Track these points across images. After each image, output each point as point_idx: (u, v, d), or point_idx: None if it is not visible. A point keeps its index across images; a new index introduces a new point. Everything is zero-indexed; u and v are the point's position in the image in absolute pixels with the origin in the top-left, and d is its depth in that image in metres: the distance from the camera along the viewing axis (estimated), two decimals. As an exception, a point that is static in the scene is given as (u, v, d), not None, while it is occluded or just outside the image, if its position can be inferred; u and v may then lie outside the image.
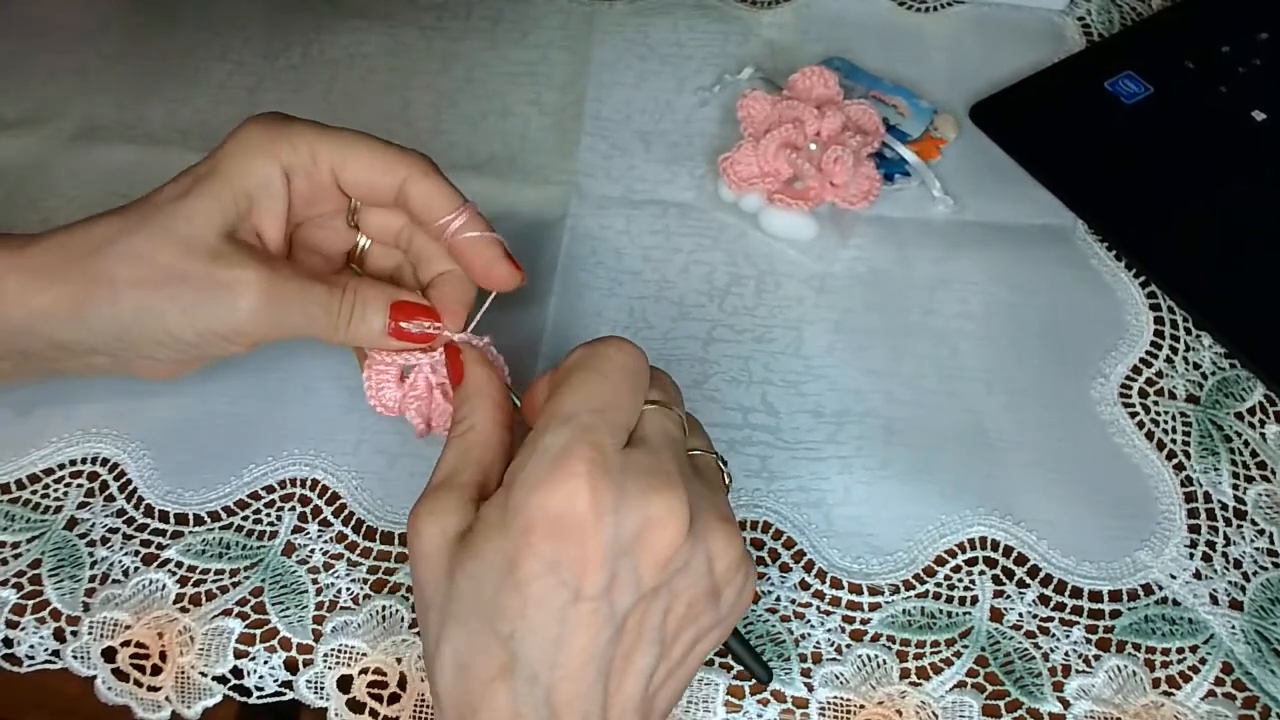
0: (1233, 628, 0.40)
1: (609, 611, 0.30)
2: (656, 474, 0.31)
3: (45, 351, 0.38)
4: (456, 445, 0.35)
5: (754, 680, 0.39)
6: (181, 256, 0.36)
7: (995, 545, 0.42)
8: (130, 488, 0.43)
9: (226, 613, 0.40)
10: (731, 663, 0.39)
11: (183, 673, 0.40)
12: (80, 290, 0.36)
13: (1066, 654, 0.40)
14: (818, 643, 0.40)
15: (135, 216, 0.37)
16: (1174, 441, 0.45)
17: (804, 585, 0.41)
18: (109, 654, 0.40)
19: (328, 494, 0.43)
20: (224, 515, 0.43)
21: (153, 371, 0.40)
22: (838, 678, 0.39)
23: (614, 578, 0.30)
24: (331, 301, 0.38)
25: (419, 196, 0.39)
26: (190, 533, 0.42)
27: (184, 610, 0.40)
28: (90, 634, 0.40)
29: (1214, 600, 0.41)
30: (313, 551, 0.42)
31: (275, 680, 0.40)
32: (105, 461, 0.44)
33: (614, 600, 0.30)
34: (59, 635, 0.40)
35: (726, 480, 0.37)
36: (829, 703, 0.39)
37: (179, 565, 0.41)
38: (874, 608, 0.41)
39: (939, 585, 0.41)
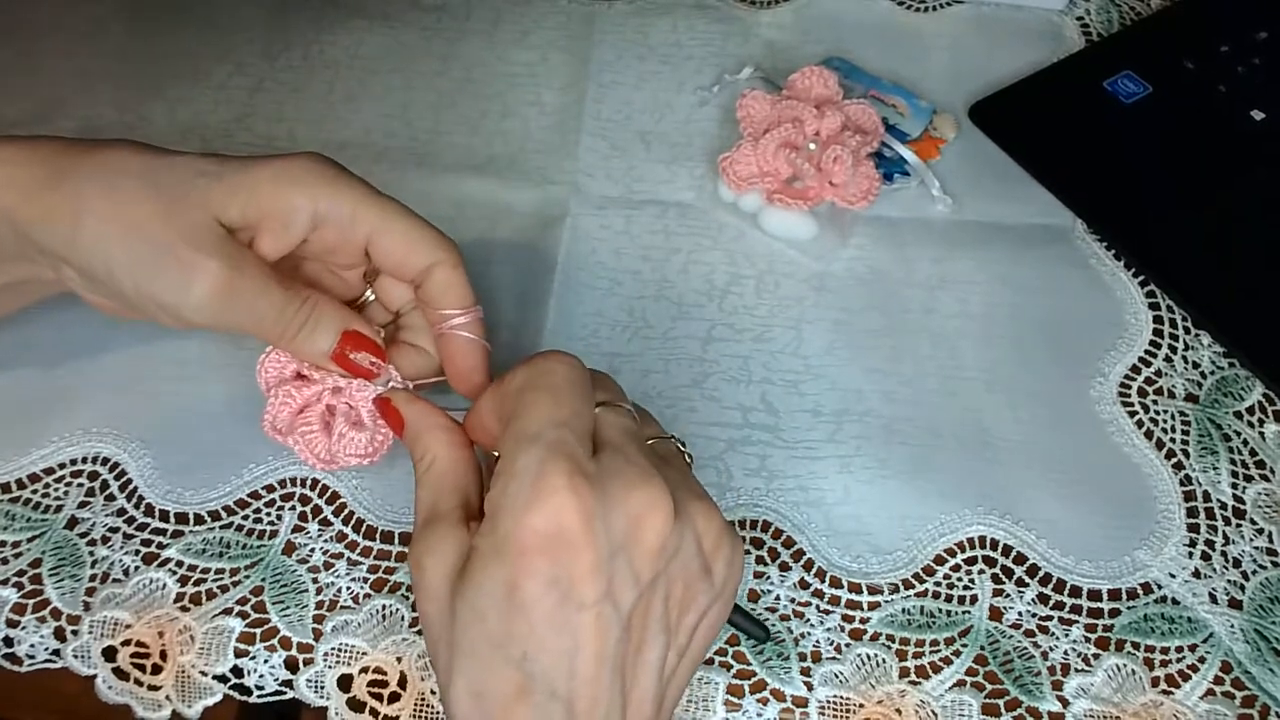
0: (1232, 626, 0.40)
1: (613, 612, 0.31)
2: (631, 470, 0.32)
3: (5, 245, 0.37)
4: (426, 482, 0.36)
5: (754, 641, 0.40)
6: (155, 216, 0.35)
7: (994, 544, 0.42)
8: (131, 487, 0.43)
9: (227, 612, 0.40)
10: (731, 662, 0.40)
11: (183, 672, 0.40)
12: (54, 202, 0.36)
13: (1066, 653, 0.40)
14: (817, 642, 0.40)
15: (144, 161, 0.37)
16: (1173, 440, 0.45)
17: (803, 584, 0.41)
18: (109, 653, 0.40)
19: (328, 493, 0.43)
20: (224, 514, 0.43)
21: (96, 303, 0.39)
22: (837, 677, 0.39)
23: (612, 579, 0.31)
24: (287, 307, 0.37)
25: (438, 284, 0.39)
26: (190, 532, 0.42)
27: (184, 609, 0.40)
28: (91, 633, 0.40)
29: (1213, 599, 0.41)
30: (313, 551, 0.42)
31: (275, 679, 0.40)
32: (105, 461, 0.44)
33: (617, 600, 0.31)
34: (59, 634, 0.40)
35: (688, 460, 0.38)
36: (828, 702, 0.39)
37: (179, 564, 0.42)
38: (873, 607, 0.41)
39: (938, 584, 0.41)
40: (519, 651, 0.30)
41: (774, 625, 0.40)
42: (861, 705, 0.39)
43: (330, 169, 0.38)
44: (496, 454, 0.35)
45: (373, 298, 0.42)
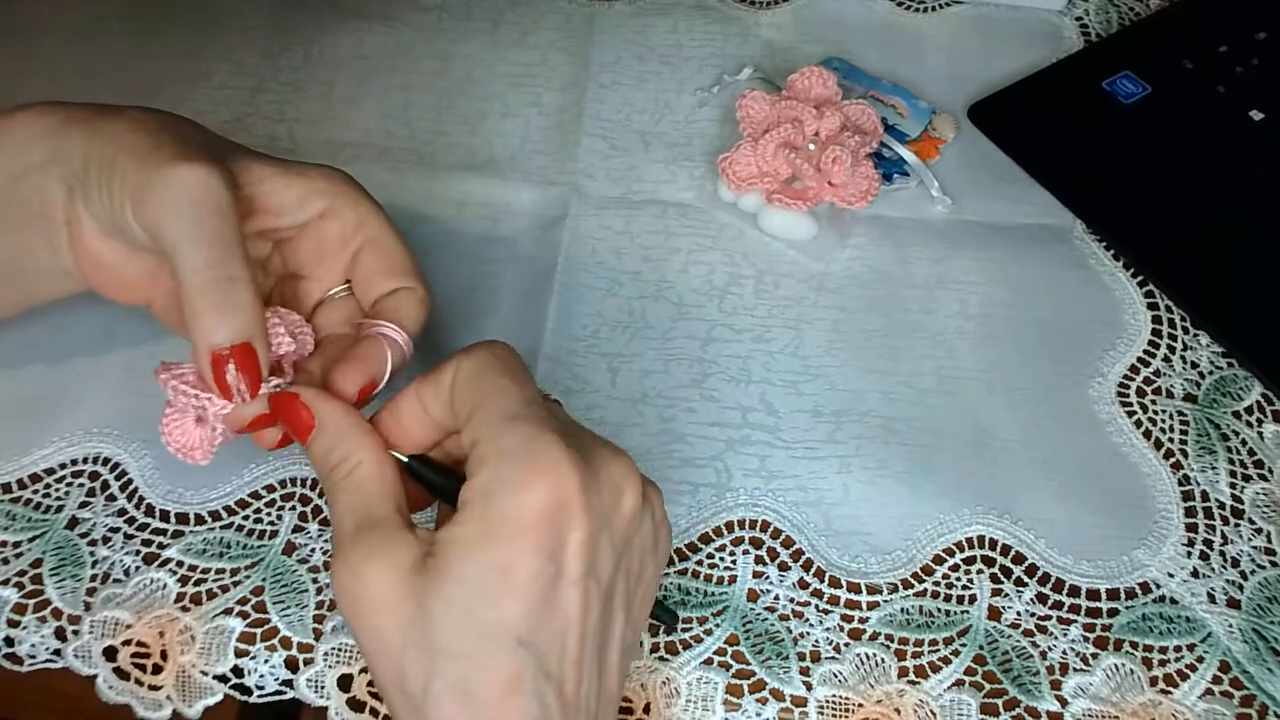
0: (1230, 626, 0.40)
1: (595, 587, 0.31)
2: (599, 442, 0.32)
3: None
4: (351, 487, 0.33)
5: (664, 626, 0.40)
6: (175, 133, 0.37)
7: (993, 544, 0.42)
8: (131, 487, 0.43)
9: (227, 612, 0.41)
10: (730, 661, 0.40)
11: (184, 672, 0.40)
12: (94, 127, 0.38)
13: (1064, 652, 0.40)
14: (816, 641, 0.40)
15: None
16: (1171, 440, 0.45)
17: (802, 584, 0.41)
18: (110, 653, 0.40)
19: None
20: (224, 514, 0.43)
21: (95, 249, 0.38)
22: (836, 676, 0.39)
23: (596, 552, 0.31)
24: (230, 256, 0.34)
25: (400, 301, 0.39)
26: (191, 532, 0.42)
27: (185, 609, 0.41)
28: (91, 633, 0.40)
29: (1211, 599, 0.41)
30: (313, 550, 0.42)
31: (276, 679, 0.40)
32: (106, 461, 0.44)
33: (598, 574, 0.31)
34: (60, 634, 0.40)
35: None
36: (827, 701, 0.39)
37: (180, 564, 0.42)
38: (872, 606, 0.41)
39: (937, 584, 0.41)
40: (512, 637, 0.30)
41: (773, 625, 0.40)
42: (860, 705, 0.39)
43: (357, 184, 0.40)
44: (404, 456, 0.34)
45: (341, 292, 0.41)
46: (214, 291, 0.34)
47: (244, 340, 0.34)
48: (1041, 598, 0.41)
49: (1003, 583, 0.41)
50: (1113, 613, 0.41)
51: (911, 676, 0.39)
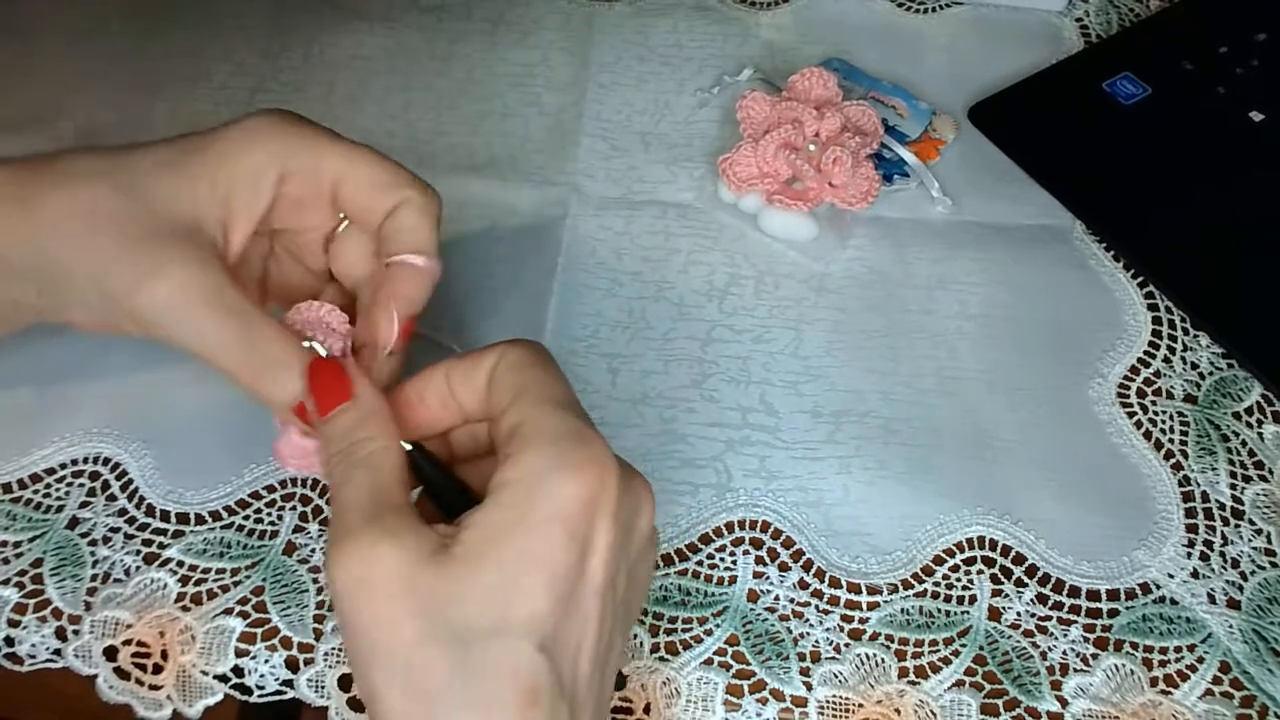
0: (1230, 627, 0.40)
1: (611, 601, 0.30)
2: (621, 459, 0.31)
3: None
4: (370, 465, 0.31)
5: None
6: (115, 217, 0.34)
7: (993, 544, 0.42)
8: (132, 487, 0.43)
9: (228, 612, 0.41)
10: (730, 662, 0.40)
11: (184, 671, 0.40)
12: (19, 216, 0.34)
13: (1064, 653, 0.40)
14: (816, 642, 0.40)
15: (103, 162, 0.35)
16: (1172, 441, 0.45)
17: (803, 585, 0.41)
18: (110, 653, 0.40)
19: (329, 493, 0.43)
20: (225, 515, 0.43)
21: (81, 324, 0.37)
22: (836, 676, 0.39)
23: (617, 563, 0.30)
24: (258, 330, 0.34)
25: (401, 223, 0.37)
26: (191, 532, 0.42)
27: (185, 609, 0.41)
28: (92, 633, 0.40)
29: (1211, 599, 0.41)
30: (313, 551, 0.42)
31: (276, 679, 0.40)
32: (107, 461, 0.44)
33: (615, 589, 0.30)
34: (60, 634, 0.40)
35: None
36: (828, 702, 0.39)
37: (180, 564, 0.42)
38: (872, 607, 0.41)
39: (937, 584, 0.41)
40: (537, 638, 0.27)
41: (773, 625, 0.40)
42: (861, 705, 0.39)
43: (289, 120, 0.37)
44: (410, 446, 0.33)
45: (346, 222, 0.39)
46: (249, 366, 0.34)
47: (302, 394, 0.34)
48: (1042, 598, 0.41)
49: (1003, 583, 0.41)
50: (1113, 613, 0.41)
51: (912, 677, 0.39)
